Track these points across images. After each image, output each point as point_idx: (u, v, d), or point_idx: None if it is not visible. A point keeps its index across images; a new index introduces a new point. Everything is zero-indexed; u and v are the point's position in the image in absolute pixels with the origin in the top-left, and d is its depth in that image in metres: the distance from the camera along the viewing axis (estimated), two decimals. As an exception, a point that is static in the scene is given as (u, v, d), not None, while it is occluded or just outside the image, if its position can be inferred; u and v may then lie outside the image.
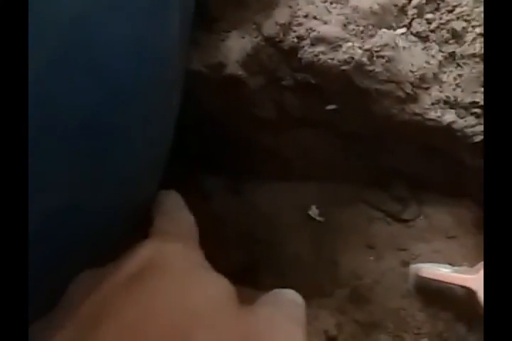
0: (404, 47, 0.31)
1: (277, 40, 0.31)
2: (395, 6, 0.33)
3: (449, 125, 0.32)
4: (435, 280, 0.37)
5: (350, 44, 0.30)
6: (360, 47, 0.30)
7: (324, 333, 0.40)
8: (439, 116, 0.32)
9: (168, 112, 0.29)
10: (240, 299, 0.21)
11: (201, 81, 0.35)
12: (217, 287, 0.20)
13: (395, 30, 0.33)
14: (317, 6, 0.31)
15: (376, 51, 0.30)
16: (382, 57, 0.30)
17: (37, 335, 0.17)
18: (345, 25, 0.30)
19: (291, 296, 0.25)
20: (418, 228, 0.43)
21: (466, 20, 0.32)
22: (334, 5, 0.32)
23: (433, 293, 0.40)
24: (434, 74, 0.32)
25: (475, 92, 0.32)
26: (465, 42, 0.32)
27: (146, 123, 0.26)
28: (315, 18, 0.31)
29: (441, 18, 0.33)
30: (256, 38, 0.32)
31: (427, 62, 0.32)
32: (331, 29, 0.30)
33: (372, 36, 0.30)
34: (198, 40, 0.35)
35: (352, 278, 0.44)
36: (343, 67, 0.30)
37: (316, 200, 0.48)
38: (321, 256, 0.46)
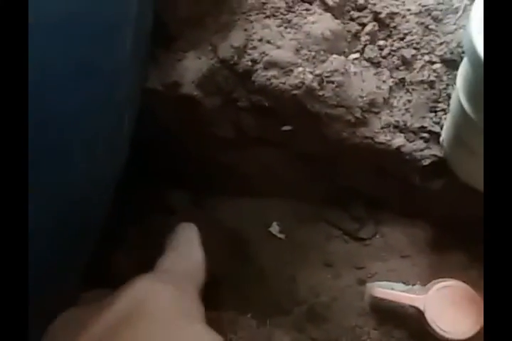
0: (355, 73, 0.32)
1: (232, 62, 0.32)
2: (349, 31, 0.34)
3: (398, 148, 0.33)
4: (386, 299, 0.37)
5: (301, 69, 0.30)
6: (311, 73, 0.31)
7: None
8: (388, 140, 0.33)
9: (118, 132, 0.29)
10: None
11: (158, 99, 0.35)
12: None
13: (347, 55, 0.34)
14: (271, 31, 0.32)
15: (326, 76, 0.30)
16: (332, 82, 0.31)
17: None
18: (297, 50, 0.31)
19: None
20: (374, 247, 0.43)
21: (415, 48, 0.34)
22: (288, 30, 0.32)
23: (387, 312, 0.40)
24: (385, 99, 0.33)
25: (423, 117, 0.33)
26: (414, 69, 0.33)
27: (91, 144, 0.26)
28: (269, 42, 0.32)
29: (392, 45, 0.34)
30: (212, 59, 0.32)
31: (378, 87, 0.33)
32: (283, 54, 0.31)
33: (323, 62, 0.31)
34: (157, 57, 0.36)
35: (310, 296, 0.45)
36: (294, 92, 0.31)
37: (277, 217, 0.48)
38: (280, 272, 0.46)
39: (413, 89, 0.33)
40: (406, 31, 0.34)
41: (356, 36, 0.34)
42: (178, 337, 0.19)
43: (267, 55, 0.31)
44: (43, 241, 0.24)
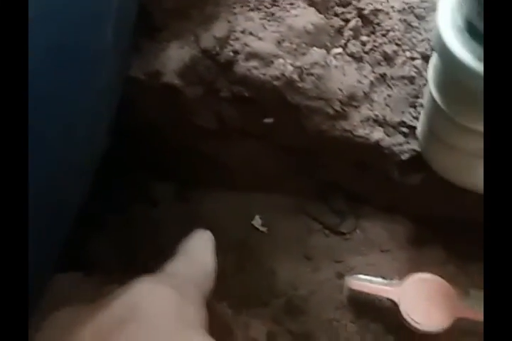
0: (336, 66, 0.33)
1: (214, 53, 0.32)
2: (332, 26, 0.35)
3: (377, 142, 0.33)
4: (363, 292, 0.38)
5: (282, 60, 0.31)
6: (291, 64, 0.31)
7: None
8: (367, 134, 0.33)
9: (98, 120, 0.29)
10: None
11: (140, 88, 0.35)
12: None
13: (330, 49, 0.34)
14: (254, 23, 0.32)
15: (306, 69, 0.31)
16: (312, 74, 0.31)
17: None
18: (279, 43, 0.31)
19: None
20: (354, 241, 0.44)
21: (397, 44, 0.34)
22: (271, 22, 0.33)
23: (364, 305, 0.41)
24: (366, 93, 0.33)
25: (403, 112, 0.34)
26: (395, 64, 0.34)
27: (69, 130, 0.26)
28: (251, 33, 0.32)
29: (375, 41, 0.34)
30: (194, 49, 0.33)
31: (359, 82, 0.34)
32: (264, 45, 0.31)
33: (304, 54, 0.31)
34: (141, 47, 0.36)
35: (288, 289, 0.45)
36: (275, 83, 0.31)
37: (260, 211, 0.48)
38: (261, 265, 0.46)
39: (394, 84, 0.34)
40: (389, 28, 0.34)
41: (340, 31, 0.35)
42: None
43: (248, 46, 0.31)
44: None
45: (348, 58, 0.34)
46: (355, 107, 0.33)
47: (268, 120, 0.36)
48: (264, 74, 0.31)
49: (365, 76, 0.34)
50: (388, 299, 0.36)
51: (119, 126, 0.38)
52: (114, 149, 0.47)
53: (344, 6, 0.34)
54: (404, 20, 0.34)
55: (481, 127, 0.20)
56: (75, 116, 0.26)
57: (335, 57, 0.34)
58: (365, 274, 0.41)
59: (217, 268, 0.26)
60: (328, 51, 0.33)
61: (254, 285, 0.45)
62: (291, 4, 0.34)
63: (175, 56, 0.33)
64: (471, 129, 0.20)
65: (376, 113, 0.33)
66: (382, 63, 0.34)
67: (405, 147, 0.33)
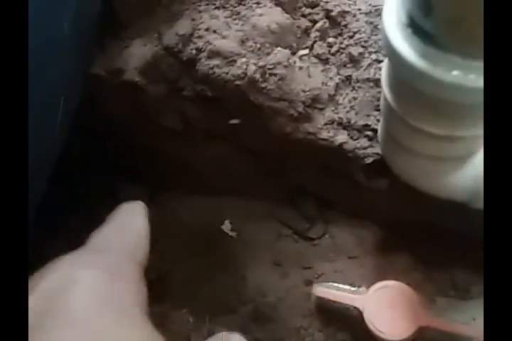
0: (301, 68, 0.32)
1: (176, 50, 0.31)
2: (299, 27, 0.34)
3: (341, 145, 0.33)
4: (330, 300, 0.37)
5: (244, 60, 0.30)
6: (254, 64, 0.30)
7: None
8: (331, 136, 0.33)
9: (52, 113, 0.28)
10: None
11: (102, 85, 0.34)
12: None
13: (296, 50, 0.34)
14: (219, 21, 0.32)
15: (269, 69, 0.30)
16: (275, 75, 0.30)
17: None
18: (242, 42, 0.31)
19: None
20: (323, 247, 0.43)
21: (363, 47, 0.34)
22: (236, 21, 0.32)
23: (332, 313, 0.40)
24: (330, 95, 0.33)
25: (368, 115, 0.33)
26: (361, 66, 0.33)
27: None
28: (215, 32, 0.31)
29: (341, 43, 0.34)
30: (156, 46, 0.32)
31: (325, 84, 0.33)
32: (227, 44, 0.30)
33: (267, 54, 0.31)
34: (105, 44, 0.35)
35: (257, 295, 0.44)
36: (237, 82, 0.30)
37: (230, 215, 0.47)
38: (229, 270, 0.45)
39: (359, 87, 0.33)
40: (355, 30, 0.34)
41: (306, 32, 0.34)
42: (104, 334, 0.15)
43: (211, 44, 0.30)
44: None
45: (314, 60, 0.34)
46: (320, 110, 0.33)
47: (234, 121, 0.35)
48: (226, 73, 0.30)
49: (331, 78, 0.33)
50: (353, 307, 0.35)
51: (84, 124, 0.37)
52: (83, 150, 0.46)
53: (312, 7, 0.34)
54: (371, 23, 0.34)
55: (432, 128, 0.20)
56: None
57: (301, 59, 0.34)
58: (333, 281, 0.40)
59: (149, 236, 0.22)
60: (293, 52, 0.33)
61: (222, 292, 0.44)
62: (258, 3, 0.33)
63: (137, 53, 0.33)
64: (422, 130, 0.20)
65: (341, 116, 0.33)
66: (348, 65, 0.34)
67: (370, 151, 0.33)
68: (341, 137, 0.33)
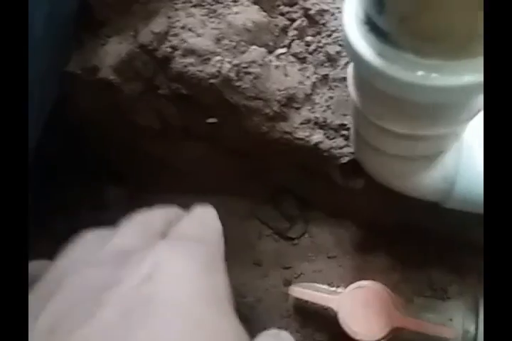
0: (277, 66, 0.32)
1: (151, 48, 0.31)
2: (276, 26, 0.34)
3: (316, 145, 0.33)
4: (306, 300, 0.37)
5: (219, 58, 0.30)
6: (229, 62, 0.30)
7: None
8: (307, 136, 0.33)
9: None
10: None
11: (78, 83, 0.34)
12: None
13: (273, 49, 0.34)
14: (195, 19, 0.32)
15: (244, 67, 0.30)
16: (250, 73, 0.30)
17: None
18: (218, 40, 0.31)
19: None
20: (302, 246, 0.43)
21: (340, 45, 0.34)
22: (212, 19, 0.32)
23: (310, 314, 0.40)
24: (307, 94, 0.33)
25: (344, 115, 0.33)
26: (338, 65, 0.33)
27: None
28: (190, 30, 0.31)
29: (319, 42, 0.34)
30: (131, 44, 0.32)
31: (301, 83, 0.33)
32: (202, 42, 0.30)
33: (243, 52, 0.31)
34: (82, 42, 0.35)
35: (236, 296, 0.43)
36: (211, 81, 0.30)
37: (211, 214, 0.47)
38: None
39: (336, 86, 0.33)
40: (333, 28, 0.34)
41: (284, 31, 0.34)
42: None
43: (186, 42, 0.30)
44: None
45: (291, 58, 0.34)
46: (296, 109, 0.33)
47: (211, 120, 0.35)
48: (200, 71, 0.30)
49: (308, 77, 0.33)
50: (329, 308, 0.35)
51: (61, 123, 0.37)
52: (59, 149, 0.46)
53: (290, 6, 0.34)
54: (349, 23, 0.34)
55: (394, 128, 0.19)
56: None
57: (278, 57, 0.33)
58: (312, 281, 0.40)
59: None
60: (270, 51, 0.33)
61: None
62: (235, 1, 0.33)
63: (112, 51, 0.32)
64: (386, 129, 0.20)
65: (317, 115, 0.33)
66: (325, 64, 0.33)
67: (346, 150, 0.33)
68: (317, 136, 0.33)
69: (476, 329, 0.35)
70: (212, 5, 0.33)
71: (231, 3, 0.33)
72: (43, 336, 0.14)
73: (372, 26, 0.16)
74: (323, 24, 0.35)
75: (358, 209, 0.39)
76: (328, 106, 0.33)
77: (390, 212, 0.37)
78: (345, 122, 0.33)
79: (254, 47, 0.31)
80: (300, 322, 0.40)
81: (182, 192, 0.48)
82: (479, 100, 0.18)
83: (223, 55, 0.30)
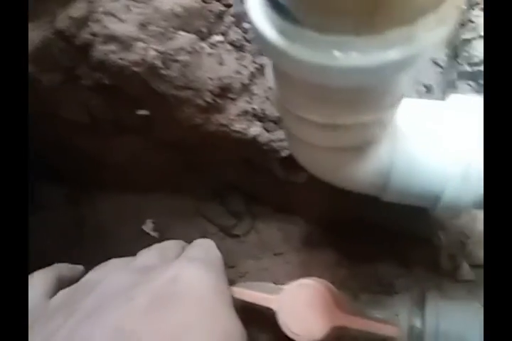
0: (211, 54, 0.30)
1: (68, 34, 0.28)
2: (211, 11, 0.32)
3: (255, 138, 0.31)
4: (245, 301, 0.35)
5: (143, 45, 0.28)
6: (154, 50, 0.28)
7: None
8: (244, 128, 0.31)
9: None
10: None
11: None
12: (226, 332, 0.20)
13: (208, 36, 0.31)
14: (119, 3, 0.29)
15: (171, 54, 0.28)
16: (177, 61, 0.28)
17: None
18: (143, 26, 0.28)
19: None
20: (249, 244, 0.41)
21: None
22: (138, 4, 0.29)
23: (253, 314, 0.38)
24: (244, 85, 0.31)
25: (283, 106, 0.32)
26: (276, 55, 0.32)
27: None
28: (113, 15, 0.28)
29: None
30: (46, 31, 0.29)
31: (238, 72, 0.31)
32: (125, 28, 0.28)
33: (170, 39, 0.28)
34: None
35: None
36: (135, 69, 0.28)
37: (153, 214, 0.45)
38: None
39: (274, 76, 0.32)
40: (271, 15, 0.32)
41: (220, 17, 0.32)
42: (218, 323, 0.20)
43: (107, 28, 0.28)
44: None
45: (228, 46, 0.32)
46: (232, 100, 0.31)
47: (142, 112, 0.33)
48: (122, 59, 0.28)
49: (245, 66, 0.31)
50: (269, 308, 0.33)
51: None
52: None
53: (225, -9, 0.32)
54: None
55: (310, 116, 0.18)
56: None
57: (214, 45, 0.31)
58: (258, 280, 0.38)
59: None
60: (203, 37, 0.31)
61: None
62: (164, -15, 0.31)
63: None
64: (306, 119, 0.18)
65: (255, 106, 0.31)
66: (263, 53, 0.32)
67: (286, 143, 0.31)
68: (255, 129, 0.31)
69: (423, 323, 0.35)
70: (138, -12, 0.31)
71: (159, -13, 0.31)
72: (85, 316, 0.18)
73: (273, 1, 0.14)
74: (261, 10, 0.33)
75: (304, 204, 0.37)
76: (267, 97, 0.31)
77: (335, 206, 0.36)
78: (284, 114, 0.32)
79: (183, 33, 0.29)
80: (244, 322, 0.39)
81: (120, 191, 0.45)
82: (401, 83, 0.16)
83: (148, 42, 0.28)
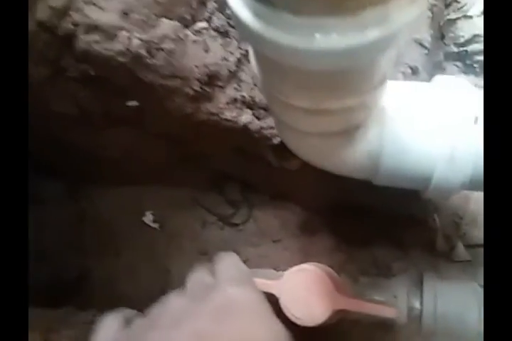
0: (196, 41, 0.29)
1: (50, 25, 0.28)
2: (194, -3, 0.31)
3: (246, 126, 0.31)
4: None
5: (126, 34, 0.27)
6: (138, 38, 0.27)
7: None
8: (235, 117, 0.30)
9: None
10: None
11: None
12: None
13: (191, 23, 0.31)
14: (99, -9, 0.28)
15: (155, 43, 0.27)
16: (162, 49, 0.27)
17: None
18: (125, 14, 0.28)
19: None
20: (247, 232, 0.41)
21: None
22: (119, -9, 0.29)
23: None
24: (232, 71, 0.31)
25: (273, 92, 0.31)
26: (263, 39, 0.31)
27: None
28: (94, 4, 0.28)
29: None
30: (29, 21, 0.28)
31: (225, 59, 0.31)
32: (107, 17, 0.27)
33: (153, 27, 0.28)
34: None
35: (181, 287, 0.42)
36: (120, 59, 0.27)
37: (152, 206, 0.45)
38: (154, 263, 0.43)
39: (262, 62, 0.31)
40: (256, -1, 0.32)
41: (203, 3, 0.31)
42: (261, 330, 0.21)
43: (88, 17, 0.27)
44: None
45: (212, 33, 0.31)
46: (221, 87, 0.30)
47: (131, 103, 0.32)
48: (107, 50, 0.27)
49: (232, 53, 0.31)
50: (270, 293, 0.33)
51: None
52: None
53: (207, -25, 0.31)
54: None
55: (294, 101, 0.18)
56: None
57: (199, 32, 0.31)
58: (258, 267, 0.39)
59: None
60: (187, 24, 0.30)
61: (147, 286, 0.42)
62: (145, -28, 0.30)
63: (8, 30, 0.29)
64: (291, 105, 0.18)
65: (244, 94, 0.30)
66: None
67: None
68: (246, 117, 0.30)
69: (421, 304, 0.35)
70: (119, -25, 0.30)
71: (140, -27, 0.30)
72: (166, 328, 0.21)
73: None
74: (246, -6, 0.32)
75: (299, 191, 0.37)
76: (255, 83, 0.31)
77: (330, 191, 0.36)
78: (274, 100, 0.31)
79: (165, 20, 0.28)
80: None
81: (119, 184, 0.45)
82: (382, 65, 0.16)
83: (131, 30, 0.27)
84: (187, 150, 0.39)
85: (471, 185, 0.21)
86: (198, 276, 0.28)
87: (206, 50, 0.30)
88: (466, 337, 0.31)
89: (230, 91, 0.30)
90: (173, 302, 0.24)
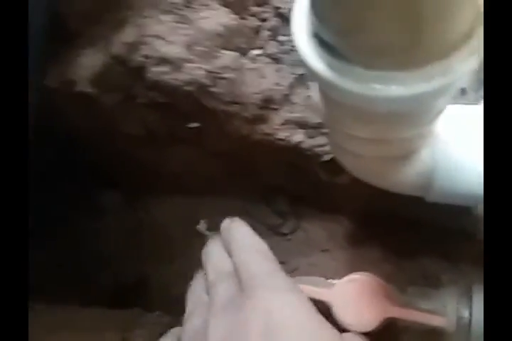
0: (252, 69, 0.32)
1: (124, 59, 0.31)
2: (248, 27, 0.34)
3: (298, 145, 0.33)
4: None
5: (192, 65, 0.30)
6: (202, 69, 0.30)
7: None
8: (287, 136, 0.33)
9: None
10: None
11: (57, 97, 0.34)
12: None
13: (247, 51, 0.33)
14: (165, 26, 0.31)
15: (218, 73, 0.30)
16: (224, 78, 0.30)
17: None
18: (189, 46, 0.31)
19: None
20: (296, 241, 0.43)
21: (315, 43, 0.33)
22: (182, 25, 0.32)
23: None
24: (285, 95, 0.33)
25: (324, 113, 0.33)
26: (314, 64, 0.33)
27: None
28: (161, 38, 0.31)
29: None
30: (105, 55, 0.32)
31: (278, 84, 0.33)
32: (174, 49, 0.30)
33: (216, 58, 0.31)
34: (58, 54, 0.35)
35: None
36: (187, 88, 0.30)
37: (206, 215, 0.48)
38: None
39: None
40: (307, 26, 0.34)
41: (257, 32, 0.34)
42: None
43: (157, 50, 0.30)
44: None
45: (266, 60, 0.34)
46: (275, 110, 0.33)
47: (193, 125, 0.35)
48: (175, 80, 0.30)
49: (284, 77, 0.33)
50: (322, 301, 0.35)
51: (49, 136, 0.37)
52: (53, 162, 0.46)
53: (260, 5, 0.34)
54: (322, 19, 0.33)
55: (360, 134, 0.20)
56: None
57: (254, 59, 0.33)
58: (307, 275, 0.41)
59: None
60: (243, 53, 0.33)
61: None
62: (205, 5, 0.33)
63: (87, 63, 0.32)
64: (353, 135, 0.20)
65: (296, 115, 0.33)
66: (300, 63, 0.33)
67: (327, 148, 0.33)
68: (298, 136, 0.33)
69: (470, 314, 0.36)
70: (181, 10, 0.33)
71: (200, 8, 0.33)
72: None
73: (320, 39, 0.16)
74: (297, 21, 0.34)
75: (348, 203, 0.39)
76: (306, 105, 0.33)
77: (379, 204, 0.37)
78: (325, 120, 0.33)
79: (226, 52, 0.31)
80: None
81: (175, 195, 0.48)
82: (439, 104, 0.18)
83: (196, 62, 0.30)
84: (239, 165, 0.41)
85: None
86: (222, 283, 0.26)
87: (262, 76, 0.32)
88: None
89: (284, 113, 0.33)
90: (210, 325, 0.23)
